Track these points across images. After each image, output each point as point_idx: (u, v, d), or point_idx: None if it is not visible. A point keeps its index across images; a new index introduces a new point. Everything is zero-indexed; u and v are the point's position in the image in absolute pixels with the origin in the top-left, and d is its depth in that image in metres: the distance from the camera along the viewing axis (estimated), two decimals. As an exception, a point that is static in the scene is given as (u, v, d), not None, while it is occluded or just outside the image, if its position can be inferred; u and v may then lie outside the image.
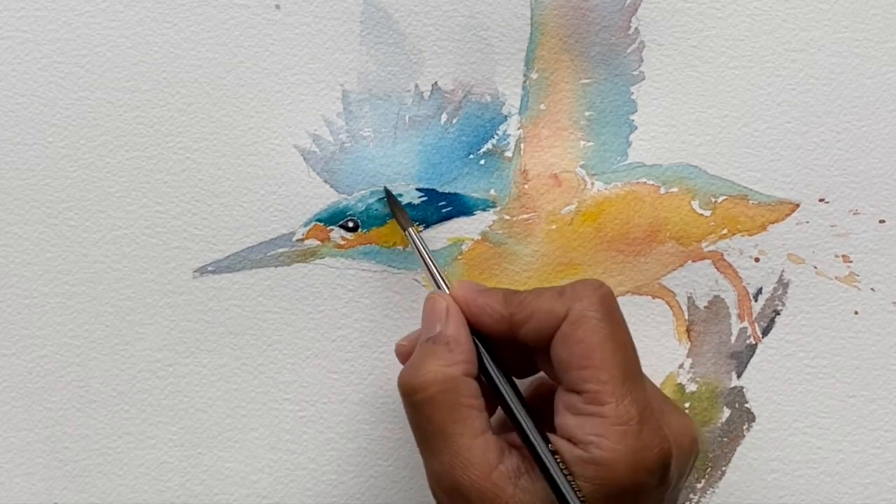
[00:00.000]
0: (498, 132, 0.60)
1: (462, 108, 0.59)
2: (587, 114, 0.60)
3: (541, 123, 0.60)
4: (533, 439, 0.50)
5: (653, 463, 0.49)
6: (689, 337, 0.60)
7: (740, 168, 0.60)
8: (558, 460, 0.49)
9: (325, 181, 0.59)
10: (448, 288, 0.54)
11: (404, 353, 0.54)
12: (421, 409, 0.50)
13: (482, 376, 0.52)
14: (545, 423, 0.51)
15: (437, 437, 0.50)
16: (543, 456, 0.49)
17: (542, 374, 0.55)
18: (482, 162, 0.60)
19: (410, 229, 0.56)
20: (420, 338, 0.53)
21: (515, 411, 0.51)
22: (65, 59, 0.59)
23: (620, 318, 0.51)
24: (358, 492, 0.60)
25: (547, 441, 0.50)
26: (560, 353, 0.50)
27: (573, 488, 0.48)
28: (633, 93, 0.60)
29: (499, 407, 0.52)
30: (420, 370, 0.51)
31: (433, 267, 0.55)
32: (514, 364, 0.54)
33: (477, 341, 0.52)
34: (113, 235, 0.59)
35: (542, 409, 0.52)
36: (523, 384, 0.55)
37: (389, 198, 0.58)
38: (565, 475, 0.48)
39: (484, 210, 0.59)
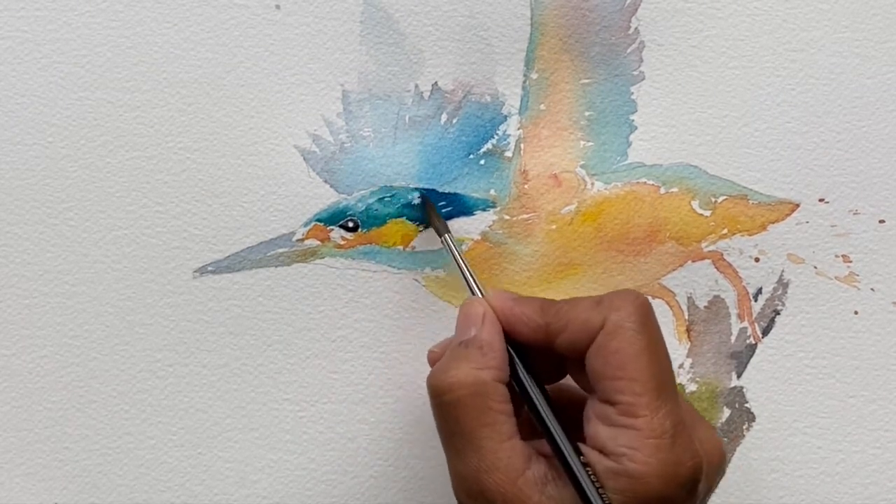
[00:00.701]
0: (498, 132, 0.60)
1: (462, 108, 0.59)
2: (587, 114, 0.60)
3: (541, 123, 0.60)
4: (563, 448, 0.49)
5: (685, 477, 0.49)
6: (689, 337, 0.60)
7: (740, 168, 0.60)
8: (589, 471, 0.49)
9: (325, 181, 0.59)
10: (483, 295, 0.54)
11: (436, 360, 0.53)
12: (449, 410, 0.50)
13: (514, 383, 0.52)
14: (572, 431, 0.51)
15: (463, 439, 0.50)
16: (573, 465, 0.49)
17: (567, 380, 0.54)
18: (482, 162, 0.60)
19: (447, 235, 0.56)
20: (453, 342, 0.53)
21: (547, 420, 0.51)
22: (65, 59, 0.59)
23: (657, 329, 0.51)
24: (358, 492, 0.60)
25: (578, 451, 0.49)
26: (595, 364, 0.50)
27: (602, 499, 0.48)
28: (633, 93, 0.60)
29: (527, 413, 0.52)
30: (450, 371, 0.51)
31: (469, 274, 0.55)
32: (545, 371, 0.53)
33: (510, 348, 0.52)
34: (113, 235, 0.59)
35: (567, 416, 0.52)
36: (550, 390, 0.54)
37: (427, 204, 0.58)
38: (595, 486, 0.48)
39: (484, 210, 0.59)
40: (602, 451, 0.49)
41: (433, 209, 0.58)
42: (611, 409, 0.49)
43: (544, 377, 0.54)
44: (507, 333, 0.52)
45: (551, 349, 0.52)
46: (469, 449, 0.50)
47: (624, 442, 0.49)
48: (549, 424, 0.50)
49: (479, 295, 0.54)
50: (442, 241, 0.56)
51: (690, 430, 0.50)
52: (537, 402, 0.51)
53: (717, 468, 0.52)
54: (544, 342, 0.52)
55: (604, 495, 0.48)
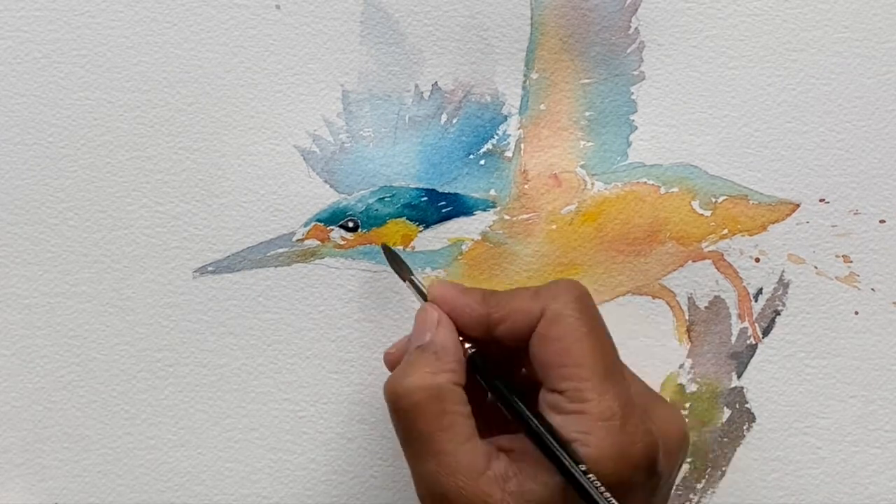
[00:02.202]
0: (498, 132, 0.60)
1: (462, 108, 0.59)
2: (587, 114, 0.60)
3: (541, 123, 0.60)
4: (536, 427, 0.49)
5: (638, 457, 0.49)
6: (689, 337, 0.60)
7: (740, 168, 0.60)
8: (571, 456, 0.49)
9: (325, 181, 0.59)
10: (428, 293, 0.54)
11: (392, 362, 0.54)
12: (406, 415, 0.50)
13: (478, 379, 0.52)
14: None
15: (422, 443, 0.50)
16: (554, 448, 0.49)
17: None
18: (482, 162, 0.60)
19: (412, 277, 0.56)
20: (410, 346, 0.53)
21: (520, 410, 0.51)
22: (65, 59, 0.59)
23: (597, 314, 0.52)
24: (358, 492, 0.60)
25: (545, 423, 0.49)
26: (538, 353, 0.51)
27: (592, 482, 0.48)
28: (633, 93, 0.60)
29: (484, 411, 0.52)
30: (406, 377, 0.51)
31: (418, 283, 0.55)
32: (501, 365, 0.53)
33: (467, 343, 0.52)
34: (113, 235, 0.59)
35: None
36: None
37: (385, 250, 0.58)
38: (583, 471, 0.48)
39: (484, 210, 0.59)
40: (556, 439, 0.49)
41: (391, 253, 0.57)
42: (559, 396, 0.50)
43: (504, 372, 0.54)
44: (455, 325, 0.52)
45: (494, 339, 0.52)
46: (428, 453, 0.50)
47: (574, 428, 0.49)
48: (519, 411, 0.50)
49: (422, 286, 0.54)
50: (408, 284, 0.56)
51: (643, 410, 0.50)
52: (509, 398, 0.51)
53: (678, 445, 0.52)
54: (486, 332, 0.52)
55: (591, 477, 0.48)
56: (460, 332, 0.52)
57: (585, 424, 0.49)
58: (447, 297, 0.53)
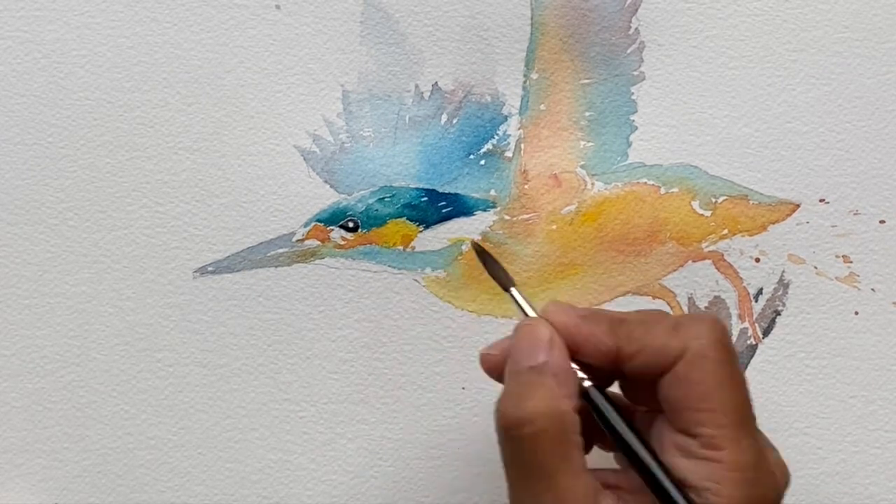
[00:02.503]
0: (498, 132, 0.60)
1: (462, 108, 0.59)
2: (587, 114, 0.60)
3: (541, 123, 0.60)
4: (664, 482, 0.47)
5: None
6: (689, 337, 0.60)
7: (740, 168, 0.60)
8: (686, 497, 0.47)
9: (325, 181, 0.59)
10: (536, 313, 0.50)
11: (493, 364, 0.50)
12: (525, 443, 0.47)
13: (597, 418, 0.49)
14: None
15: (540, 474, 0.46)
16: (670, 491, 0.46)
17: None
18: (482, 162, 0.60)
19: (513, 289, 0.52)
20: (514, 365, 0.49)
21: (635, 448, 0.48)
22: (65, 59, 0.59)
23: (736, 358, 0.48)
24: (358, 492, 0.60)
25: (672, 478, 0.47)
26: (674, 394, 0.47)
27: None
28: (633, 93, 0.60)
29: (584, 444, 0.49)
30: (527, 402, 0.47)
31: (523, 302, 0.51)
32: (603, 381, 0.50)
33: (583, 373, 0.49)
34: (113, 235, 0.59)
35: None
36: None
37: (481, 256, 0.53)
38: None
39: (484, 210, 0.59)
40: (682, 484, 0.47)
41: (493, 261, 0.53)
42: (691, 440, 0.47)
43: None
44: (573, 354, 0.49)
45: (619, 372, 0.49)
46: (544, 486, 0.46)
47: (706, 475, 0.46)
48: (640, 454, 0.48)
49: (533, 314, 0.50)
50: (509, 295, 0.52)
51: (768, 457, 0.48)
52: (622, 431, 0.48)
53: (786, 489, 0.49)
54: (612, 365, 0.49)
55: None
56: (574, 358, 0.49)
57: (718, 474, 0.46)
58: (568, 323, 0.49)
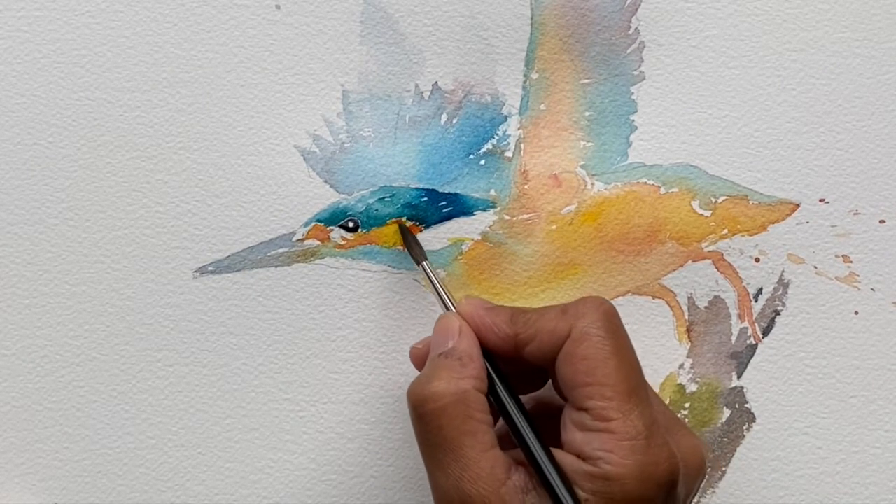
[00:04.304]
0: (498, 132, 0.60)
1: (462, 108, 0.59)
2: (587, 114, 0.60)
3: (541, 123, 0.60)
4: (536, 454, 0.50)
5: (661, 477, 0.49)
6: (689, 337, 0.60)
7: (740, 168, 0.60)
8: (560, 473, 0.49)
9: (325, 181, 0.59)
10: (455, 306, 0.54)
11: (419, 356, 0.55)
12: (431, 420, 0.50)
13: (490, 395, 0.52)
14: (550, 438, 0.51)
15: (446, 448, 0.50)
16: (546, 469, 0.49)
17: (549, 390, 0.55)
18: (482, 162, 0.60)
19: (424, 263, 0.56)
20: (430, 354, 0.53)
21: (521, 427, 0.51)
22: (65, 59, 0.59)
23: (624, 333, 0.52)
24: (358, 492, 0.60)
25: (551, 457, 0.50)
26: (564, 372, 0.51)
27: (577, 501, 0.48)
28: (633, 93, 0.60)
29: (503, 424, 0.52)
30: (432, 382, 0.51)
31: (444, 292, 0.55)
32: (520, 380, 0.54)
33: (486, 359, 0.52)
34: (113, 235, 0.59)
35: (547, 424, 0.52)
36: (527, 400, 0.55)
37: (402, 229, 0.58)
38: (569, 489, 0.49)
39: (484, 210, 0.59)
40: (579, 456, 0.50)
41: (408, 234, 0.58)
42: (584, 414, 0.50)
43: (522, 387, 0.54)
44: (481, 342, 0.53)
45: (521, 358, 0.52)
46: (451, 458, 0.50)
47: (599, 445, 0.49)
48: (521, 429, 0.51)
49: (453, 309, 0.54)
50: (421, 268, 0.57)
51: (666, 432, 0.50)
52: (511, 411, 0.51)
53: (697, 472, 0.52)
54: (514, 351, 0.52)
55: (576, 497, 0.48)
56: (484, 349, 0.53)
57: (609, 443, 0.49)
58: (474, 314, 0.53)
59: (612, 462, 0.49)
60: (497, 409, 0.52)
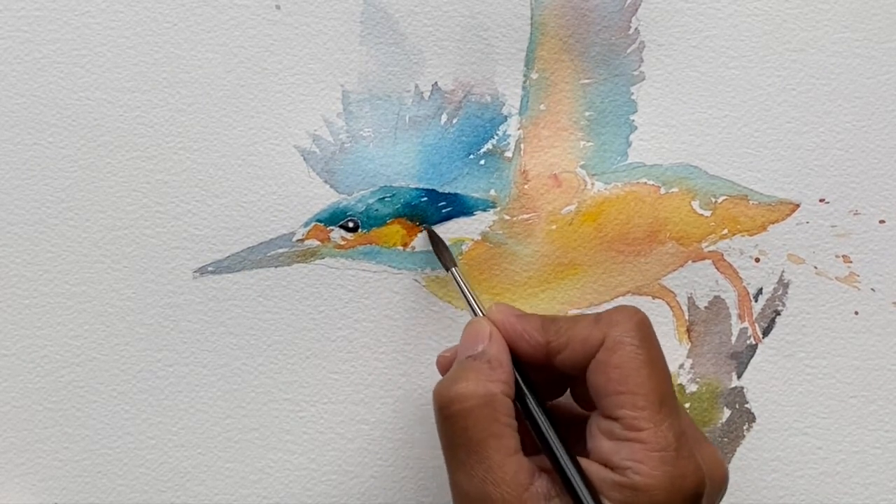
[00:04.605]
0: (498, 132, 0.60)
1: (462, 108, 0.59)
2: (587, 114, 0.60)
3: (541, 123, 0.60)
4: (561, 459, 0.50)
5: (689, 490, 0.49)
6: (689, 337, 0.60)
7: (740, 168, 0.60)
8: (587, 483, 0.49)
9: (325, 181, 0.59)
10: (484, 311, 0.54)
11: (446, 365, 0.54)
12: (457, 420, 0.50)
13: (516, 401, 0.52)
14: (573, 447, 0.51)
15: (470, 450, 0.50)
16: (572, 478, 0.49)
17: (567, 399, 0.55)
18: (482, 162, 0.60)
19: (453, 269, 0.56)
20: (458, 356, 0.53)
21: (547, 433, 0.51)
22: (65, 59, 0.59)
23: (656, 343, 0.51)
24: (358, 492, 0.60)
25: (577, 464, 0.49)
26: (596, 380, 0.50)
27: None
28: (633, 93, 0.60)
29: (529, 431, 0.52)
30: (459, 383, 0.50)
31: (472, 298, 0.55)
32: (546, 386, 0.54)
33: (514, 366, 0.52)
34: (113, 235, 0.59)
35: (569, 433, 0.52)
36: (550, 407, 0.55)
37: (432, 237, 0.58)
38: (594, 498, 0.48)
39: (484, 210, 0.59)
40: (607, 465, 0.49)
41: (440, 241, 0.58)
42: (614, 423, 0.50)
43: (548, 393, 0.54)
44: (511, 349, 0.52)
45: (552, 366, 0.52)
46: (475, 461, 0.49)
47: (628, 455, 0.49)
48: (548, 437, 0.51)
49: (482, 314, 0.54)
50: (450, 274, 0.56)
51: (693, 444, 0.50)
52: (538, 416, 0.51)
53: (719, 488, 0.52)
54: (545, 359, 0.52)
55: None
56: (515, 357, 0.52)
57: (639, 452, 0.49)
58: (505, 321, 0.53)
59: (641, 472, 0.48)
60: (523, 415, 0.52)
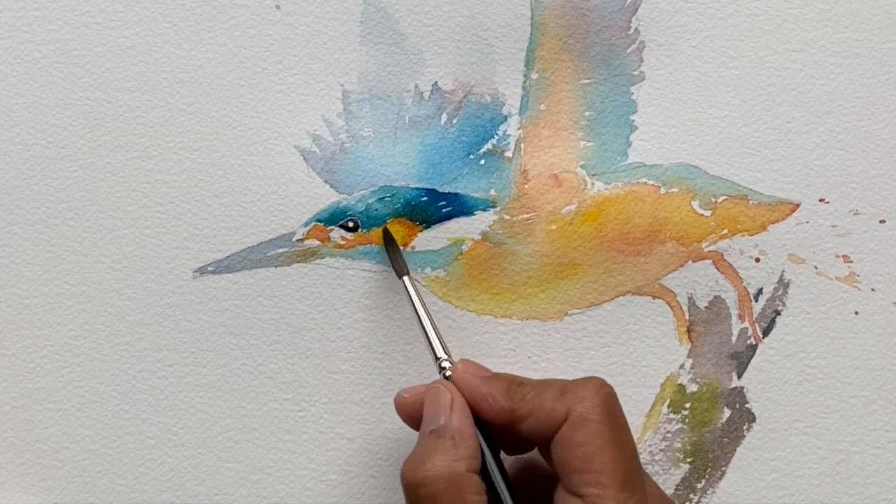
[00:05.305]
0: (498, 132, 0.60)
1: (462, 108, 0.59)
2: (587, 114, 0.60)
3: (541, 123, 0.60)
4: None
5: None
6: (689, 337, 0.60)
7: (740, 168, 0.60)
8: None
9: (325, 181, 0.59)
10: (448, 355, 0.54)
11: (405, 406, 0.54)
12: (424, 503, 0.50)
13: (481, 472, 0.52)
14: (538, 501, 0.52)
15: None
16: None
17: (534, 452, 0.55)
18: (482, 162, 0.60)
19: (405, 278, 0.56)
20: (422, 428, 0.52)
21: None
22: (65, 59, 0.59)
23: (622, 418, 0.51)
24: (358, 492, 0.60)
25: None
26: (561, 455, 0.50)
27: None
28: (633, 93, 0.60)
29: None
30: (425, 465, 0.50)
31: (431, 330, 0.55)
32: (510, 443, 0.54)
33: (481, 439, 0.52)
34: (113, 235, 0.59)
35: (536, 491, 0.52)
36: (514, 461, 0.55)
37: (387, 239, 0.58)
38: None
39: (484, 210, 0.59)
40: None
41: (394, 246, 0.58)
42: (578, 500, 0.50)
43: (513, 450, 0.54)
44: (473, 412, 0.52)
45: (514, 432, 0.52)
46: None
47: None
48: None
49: (440, 348, 0.54)
50: (402, 283, 0.56)
51: None
52: (501, 491, 0.51)
53: None
54: (508, 424, 0.52)
55: None
56: (476, 418, 0.52)
57: None
58: (470, 383, 0.53)
59: None
60: (487, 490, 0.52)
